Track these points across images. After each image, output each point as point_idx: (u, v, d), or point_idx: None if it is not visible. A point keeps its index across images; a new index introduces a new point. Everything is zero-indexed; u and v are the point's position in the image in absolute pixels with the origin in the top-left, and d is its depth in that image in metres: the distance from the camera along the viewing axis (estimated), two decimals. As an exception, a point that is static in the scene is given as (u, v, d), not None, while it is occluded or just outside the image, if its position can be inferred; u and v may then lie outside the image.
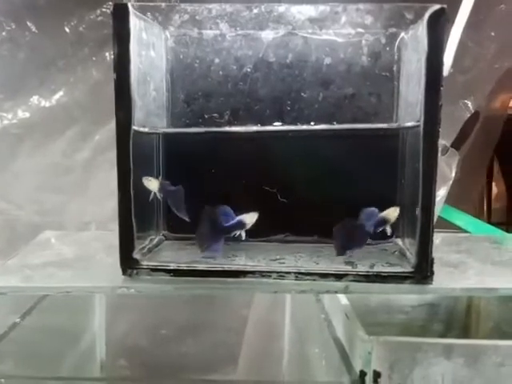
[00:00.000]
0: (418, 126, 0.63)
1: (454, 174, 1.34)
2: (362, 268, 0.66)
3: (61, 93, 1.24)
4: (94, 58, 1.23)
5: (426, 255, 0.63)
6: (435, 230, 0.64)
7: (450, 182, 1.33)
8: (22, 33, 1.21)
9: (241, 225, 0.69)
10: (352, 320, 0.68)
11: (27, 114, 1.25)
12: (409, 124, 0.68)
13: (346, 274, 0.65)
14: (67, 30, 1.22)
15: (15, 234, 1.25)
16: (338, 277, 0.65)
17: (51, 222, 1.23)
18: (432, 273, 0.64)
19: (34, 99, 1.24)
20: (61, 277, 0.69)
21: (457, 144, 1.35)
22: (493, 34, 1.29)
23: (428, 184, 0.62)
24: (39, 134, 1.26)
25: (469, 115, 1.34)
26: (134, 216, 0.65)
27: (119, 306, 1.20)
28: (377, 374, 0.60)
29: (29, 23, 1.21)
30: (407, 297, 0.96)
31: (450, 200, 1.39)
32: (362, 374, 0.61)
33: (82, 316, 1.00)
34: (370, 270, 0.65)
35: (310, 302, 0.82)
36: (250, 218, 0.69)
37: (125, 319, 1.26)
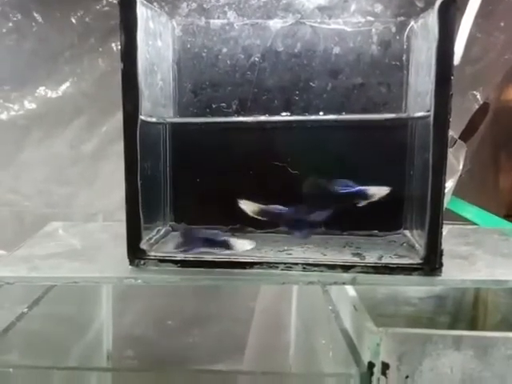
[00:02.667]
0: (427, 117, 0.62)
1: (461, 166, 1.33)
2: (370, 259, 0.66)
3: (67, 84, 1.24)
4: (100, 49, 1.23)
5: (435, 247, 0.63)
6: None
7: (458, 173, 1.32)
8: (29, 23, 1.21)
9: (364, 195, 0.67)
10: (360, 311, 0.68)
11: (34, 105, 1.25)
12: (418, 114, 0.67)
13: (354, 266, 0.64)
14: (74, 20, 1.21)
15: (23, 225, 1.25)
16: (346, 268, 0.64)
17: (58, 213, 1.23)
18: (441, 264, 0.63)
19: (41, 90, 1.24)
20: (68, 267, 0.69)
21: (465, 136, 1.34)
22: (502, 24, 1.28)
23: (437, 175, 0.61)
24: (46, 125, 1.26)
25: (477, 107, 1.32)
26: (142, 207, 0.65)
27: (126, 296, 1.20)
28: (385, 366, 0.60)
29: (35, 14, 1.21)
30: (414, 288, 0.96)
31: (461, 193, 1.38)
32: (371, 365, 0.60)
33: (89, 306, 1.00)
34: (379, 262, 0.65)
35: (317, 294, 0.81)
36: (379, 191, 0.67)
37: (132, 310, 1.27)
